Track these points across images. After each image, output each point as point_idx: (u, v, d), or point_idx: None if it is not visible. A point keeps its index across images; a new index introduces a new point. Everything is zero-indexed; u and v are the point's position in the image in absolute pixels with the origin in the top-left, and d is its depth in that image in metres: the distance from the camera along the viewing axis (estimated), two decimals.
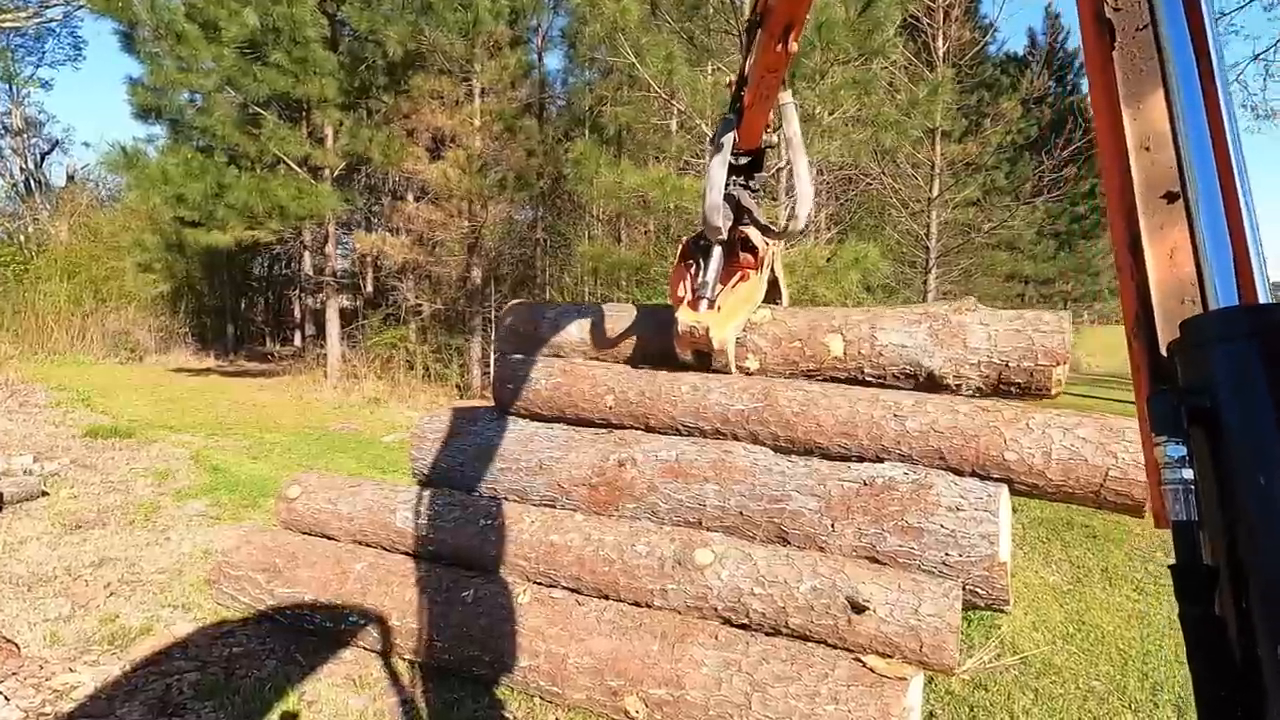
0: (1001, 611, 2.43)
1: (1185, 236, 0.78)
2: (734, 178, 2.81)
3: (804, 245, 8.09)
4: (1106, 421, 2.40)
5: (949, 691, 2.70)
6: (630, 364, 3.24)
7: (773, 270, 3.09)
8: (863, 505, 2.46)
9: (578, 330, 3.36)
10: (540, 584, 2.71)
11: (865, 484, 2.49)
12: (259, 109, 10.60)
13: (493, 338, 12.16)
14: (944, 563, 2.33)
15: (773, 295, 3.18)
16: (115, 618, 3.08)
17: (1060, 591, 3.70)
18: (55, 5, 20.31)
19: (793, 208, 3.01)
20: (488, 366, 11.16)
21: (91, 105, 44.55)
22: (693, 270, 2.96)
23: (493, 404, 3.49)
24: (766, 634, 2.37)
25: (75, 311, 14.23)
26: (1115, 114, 0.85)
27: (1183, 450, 0.68)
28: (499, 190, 10.97)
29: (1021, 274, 18.57)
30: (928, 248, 10.83)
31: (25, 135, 22.01)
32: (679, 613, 2.48)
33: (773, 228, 2.93)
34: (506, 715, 2.46)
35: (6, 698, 2.40)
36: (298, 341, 15.75)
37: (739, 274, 3.00)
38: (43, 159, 22.99)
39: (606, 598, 2.60)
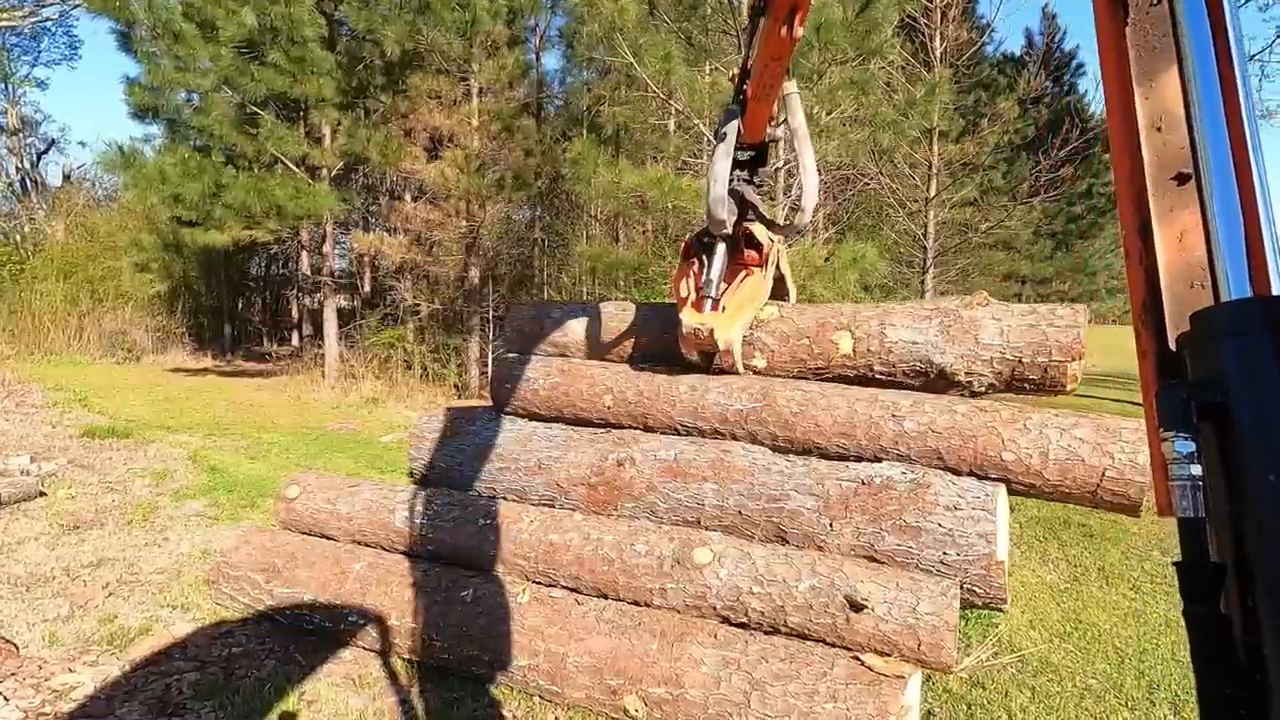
0: (999, 610, 2.44)
1: (1196, 219, 0.76)
2: (738, 172, 2.75)
3: (802, 245, 8.10)
4: (1103, 422, 2.41)
5: (947, 690, 2.71)
6: (636, 362, 3.22)
7: (778, 267, 3.03)
8: (861, 504, 2.47)
9: (583, 329, 3.36)
10: (539, 583, 2.72)
11: (863, 483, 2.50)
12: (257, 108, 10.58)
13: (492, 338, 12.16)
14: (942, 561, 2.34)
15: (779, 292, 3.13)
16: (114, 618, 3.07)
17: (1057, 590, 3.71)
18: (51, 4, 20.26)
19: (798, 200, 2.96)
20: (486, 366, 11.16)
21: (87, 105, 44.47)
22: (695, 268, 2.91)
23: (491, 404, 3.50)
24: (765, 633, 2.37)
25: (72, 311, 14.19)
26: (1126, 93, 0.82)
27: (1191, 446, 0.66)
28: (497, 190, 10.96)
29: (1018, 274, 18.65)
30: (925, 247, 10.85)
31: (21, 135, 21.94)
32: (678, 612, 2.49)
33: (777, 223, 2.88)
34: (506, 714, 2.47)
35: (6, 698, 2.40)
36: (295, 341, 15.71)
37: (743, 271, 2.95)
38: (39, 159, 22.95)
39: (606, 597, 2.61)
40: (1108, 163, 19.39)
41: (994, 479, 2.46)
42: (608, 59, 9.93)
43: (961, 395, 2.73)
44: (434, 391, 11.02)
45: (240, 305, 18.10)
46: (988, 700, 2.65)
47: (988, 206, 12.48)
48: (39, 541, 3.90)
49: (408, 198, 12.57)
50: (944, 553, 2.33)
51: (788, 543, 2.57)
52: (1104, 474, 2.31)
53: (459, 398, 10.88)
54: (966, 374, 2.64)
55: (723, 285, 2.82)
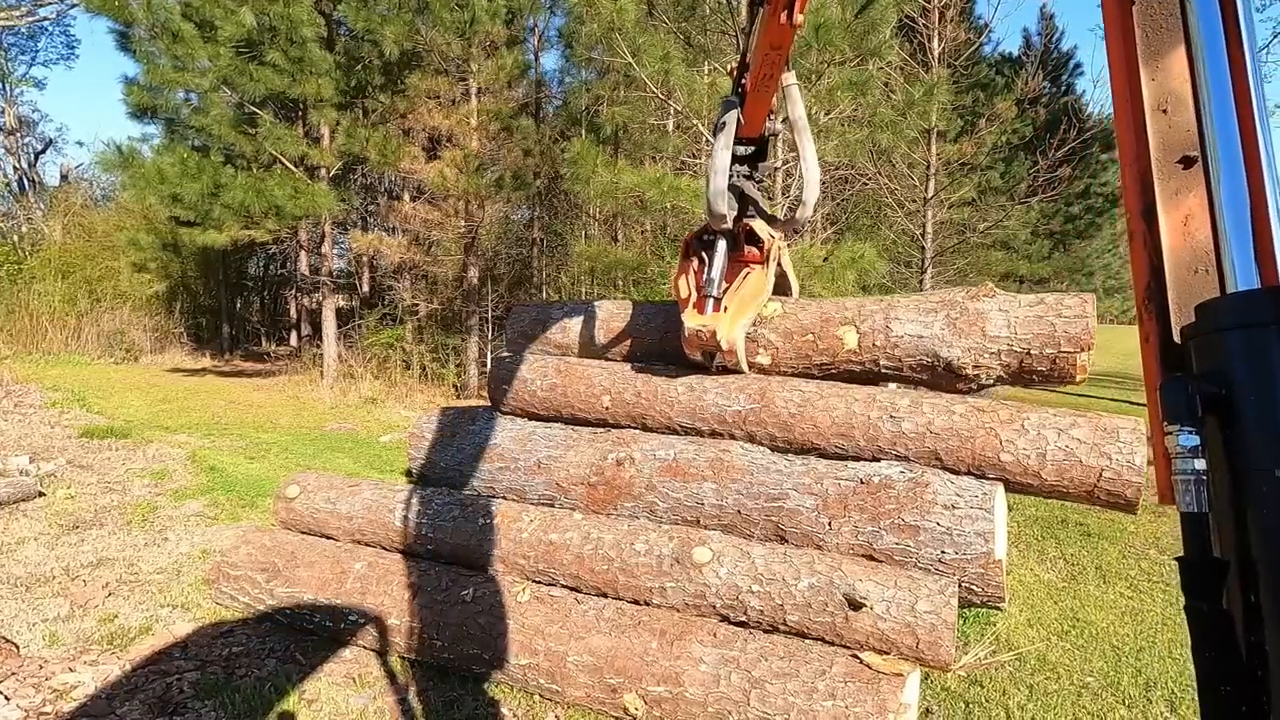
0: (997, 608, 2.45)
1: (1201, 203, 0.74)
2: (738, 168, 2.71)
3: (801, 245, 8.12)
4: (1101, 422, 2.42)
5: (945, 688, 2.72)
6: (636, 361, 3.21)
7: (780, 263, 2.99)
8: (859, 503, 2.48)
9: (584, 328, 3.36)
10: (539, 582, 2.72)
11: (862, 482, 2.51)
12: (255, 108, 10.57)
13: (491, 338, 12.17)
14: (940, 560, 2.35)
15: (782, 288, 3.10)
16: (114, 618, 3.08)
17: (1055, 588, 3.73)
18: (49, 4, 20.20)
19: (798, 197, 2.94)
20: (484, 366, 11.16)
21: (85, 104, 44.39)
22: (695, 266, 2.89)
23: (489, 404, 3.50)
24: (764, 631, 2.38)
25: (70, 311, 14.16)
26: (1132, 74, 0.80)
27: (1195, 440, 0.65)
28: (496, 190, 10.96)
29: (1016, 273, 18.65)
30: (923, 247, 10.86)
31: (19, 134, 21.93)
32: (677, 610, 2.50)
33: (777, 219, 2.86)
34: (506, 713, 2.48)
35: (6, 697, 2.40)
36: (294, 341, 15.71)
37: (745, 269, 2.91)
38: (36, 158, 22.92)
39: (605, 596, 2.62)
40: (1105, 163, 19.43)
41: (992, 479, 2.47)
42: (606, 59, 9.93)
43: (969, 388, 2.71)
44: (433, 391, 11.01)
45: (239, 305, 18.08)
46: (985, 698, 2.66)
47: (986, 206, 12.50)
48: (39, 541, 3.90)
49: (406, 197, 12.56)
50: (942, 551, 2.35)
51: (787, 541, 2.58)
52: (1101, 474, 2.32)
53: (458, 398, 10.87)
54: (974, 367, 2.60)
55: (724, 284, 2.79)
